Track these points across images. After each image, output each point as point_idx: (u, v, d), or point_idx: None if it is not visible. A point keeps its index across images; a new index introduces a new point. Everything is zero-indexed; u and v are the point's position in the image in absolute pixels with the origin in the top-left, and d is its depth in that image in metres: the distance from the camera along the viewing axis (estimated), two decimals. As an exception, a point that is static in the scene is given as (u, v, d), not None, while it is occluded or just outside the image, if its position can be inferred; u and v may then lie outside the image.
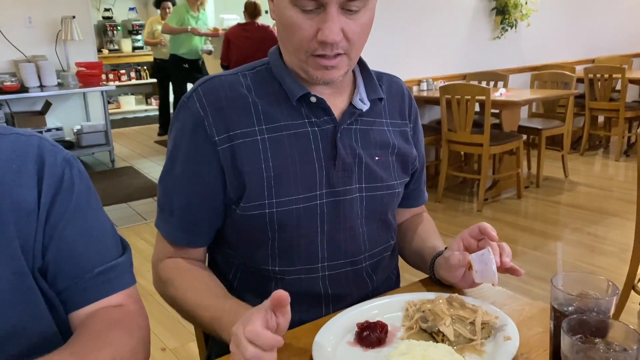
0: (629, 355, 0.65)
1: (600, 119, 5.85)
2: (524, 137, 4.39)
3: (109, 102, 6.45)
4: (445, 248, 1.10)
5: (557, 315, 0.78)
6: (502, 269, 0.98)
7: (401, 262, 1.26)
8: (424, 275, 1.16)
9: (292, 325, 0.85)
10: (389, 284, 1.20)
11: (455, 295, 0.99)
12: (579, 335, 0.68)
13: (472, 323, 0.92)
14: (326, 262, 1.07)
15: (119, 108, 8.35)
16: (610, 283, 0.79)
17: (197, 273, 1.05)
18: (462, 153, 4.77)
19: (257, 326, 0.76)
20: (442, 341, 0.90)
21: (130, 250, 0.84)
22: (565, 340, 0.67)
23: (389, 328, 0.95)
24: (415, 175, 1.21)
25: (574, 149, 5.60)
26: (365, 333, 0.92)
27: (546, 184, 4.61)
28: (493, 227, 1.01)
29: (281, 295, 0.77)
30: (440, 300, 0.96)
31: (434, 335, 0.93)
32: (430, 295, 1.01)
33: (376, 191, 1.09)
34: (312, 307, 1.07)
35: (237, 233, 1.07)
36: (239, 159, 0.99)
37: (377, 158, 1.09)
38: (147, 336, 0.81)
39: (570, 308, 0.77)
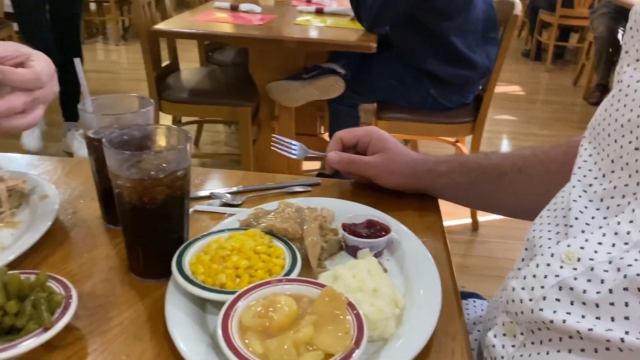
0: (179, 151, 0.57)
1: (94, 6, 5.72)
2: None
3: None
4: None
5: (96, 145, 0.65)
6: None
7: None
8: None
9: None
10: None
11: None
12: (128, 153, 0.56)
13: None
14: None
15: None
16: (143, 97, 0.70)
17: None
18: None
19: None
20: None
21: None
22: (112, 157, 0.55)
23: None
24: None
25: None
26: None
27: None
28: None
29: None
30: None
31: None
32: None
33: None
34: None
35: None
36: None
37: None
38: None
39: (109, 132, 0.65)
